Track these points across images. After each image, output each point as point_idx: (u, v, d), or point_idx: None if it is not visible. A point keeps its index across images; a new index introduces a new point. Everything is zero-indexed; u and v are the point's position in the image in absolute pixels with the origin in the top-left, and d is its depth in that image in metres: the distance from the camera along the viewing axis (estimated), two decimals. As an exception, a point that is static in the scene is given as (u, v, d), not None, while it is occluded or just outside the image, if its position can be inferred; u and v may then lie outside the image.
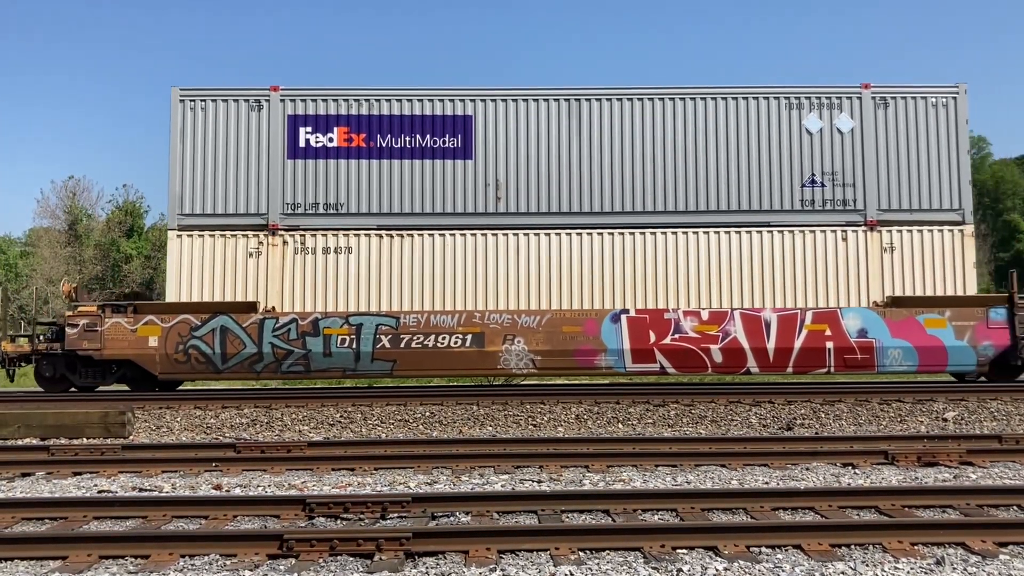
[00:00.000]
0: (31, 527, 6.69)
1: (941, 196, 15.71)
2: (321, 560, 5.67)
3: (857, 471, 8.82)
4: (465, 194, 15.74)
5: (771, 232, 15.64)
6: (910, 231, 15.60)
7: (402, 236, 15.59)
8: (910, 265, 15.56)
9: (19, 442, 11.67)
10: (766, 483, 8.24)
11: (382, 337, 15.14)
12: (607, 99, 15.94)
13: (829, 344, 15.22)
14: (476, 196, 15.75)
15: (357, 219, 15.70)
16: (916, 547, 5.84)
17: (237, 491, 8.10)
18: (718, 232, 15.69)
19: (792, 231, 15.65)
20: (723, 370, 15.46)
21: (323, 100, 15.88)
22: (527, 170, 15.81)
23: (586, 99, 15.94)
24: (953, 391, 14.06)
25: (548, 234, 15.67)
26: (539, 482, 8.36)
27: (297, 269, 15.52)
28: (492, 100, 15.89)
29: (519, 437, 11.44)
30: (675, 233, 15.66)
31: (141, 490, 8.25)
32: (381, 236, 15.56)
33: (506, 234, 15.66)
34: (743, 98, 15.95)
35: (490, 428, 12.65)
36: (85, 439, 11.84)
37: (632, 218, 15.74)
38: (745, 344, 15.25)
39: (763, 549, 5.84)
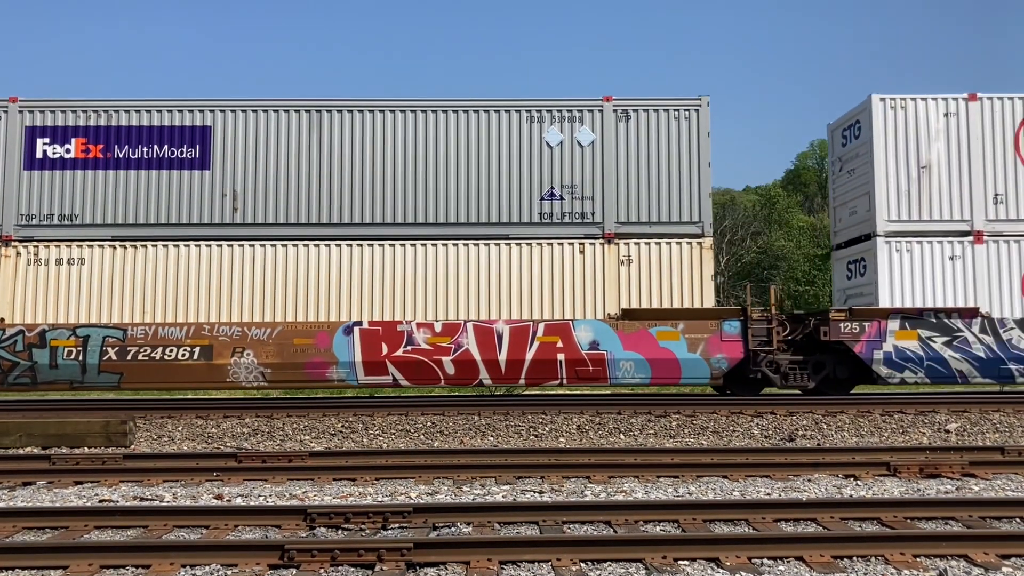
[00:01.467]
0: (32, 536, 6.69)
1: (681, 209, 15.55)
2: (322, 570, 5.67)
3: (859, 483, 8.81)
4: (201, 205, 15.49)
5: (509, 245, 15.43)
6: (648, 244, 15.44)
7: (135, 247, 15.33)
8: (647, 277, 15.39)
9: (21, 451, 11.67)
10: (768, 494, 8.23)
11: (109, 349, 14.84)
12: (348, 110, 15.74)
13: (561, 356, 15.02)
14: (213, 207, 15.49)
15: (91, 230, 15.41)
16: (918, 559, 5.83)
17: (238, 501, 8.09)
18: (456, 244, 15.46)
19: (530, 244, 15.44)
20: (456, 382, 15.24)
21: (62, 111, 15.65)
22: (264, 181, 15.56)
23: (327, 110, 15.71)
24: (955, 403, 14.04)
25: (285, 245, 15.38)
26: (541, 492, 8.35)
27: (29, 280, 15.23)
28: (232, 111, 15.68)
29: (521, 447, 11.44)
30: (413, 245, 15.41)
31: (142, 500, 8.24)
32: (115, 247, 15.31)
33: (242, 245, 15.39)
34: (484, 111, 15.76)
35: (491, 438, 12.64)
36: (87, 448, 11.84)
37: (369, 230, 15.49)
38: (477, 356, 15.01)
39: (765, 561, 5.83)
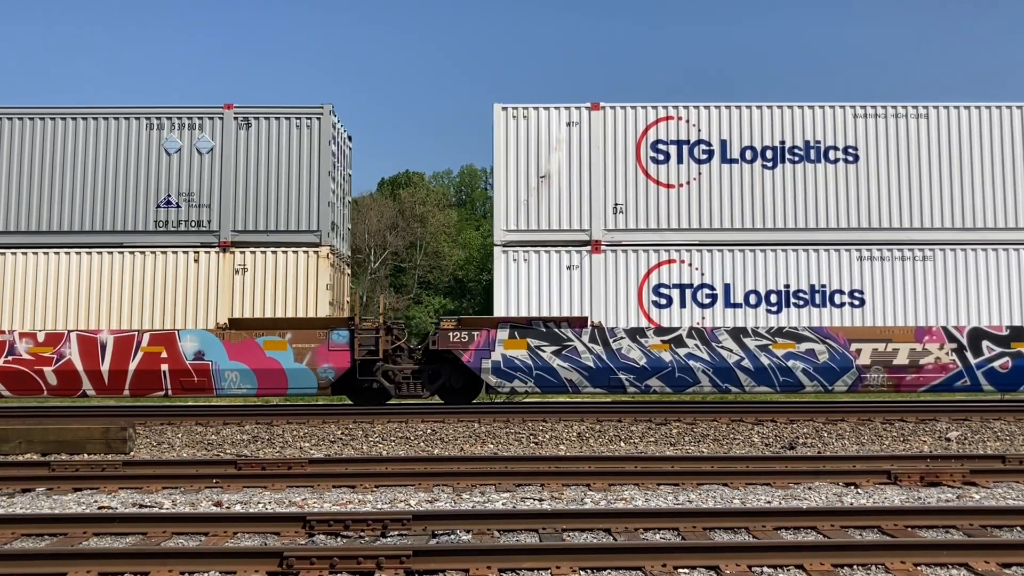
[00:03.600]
0: (31, 543, 6.68)
1: (299, 217, 15.45)
2: (321, 578, 5.65)
3: (860, 491, 8.79)
4: None
5: (123, 253, 15.25)
6: (264, 252, 15.33)
7: None
8: (262, 286, 15.28)
9: (20, 458, 11.66)
10: (768, 502, 8.21)
11: None
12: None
13: (165, 366, 14.93)
14: None
15: None
16: (919, 568, 5.82)
17: (237, 508, 8.08)
18: (68, 253, 15.27)
19: (144, 252, 15.27)
20: (59, 392, 15.09)
21: None
22: None
23: None
24: (956, 411, 14.02)
25: None
26: (540, 500, 8.34)
27: None
28: None
29: (520, 455, 11.43)
30: (14, 254, 15.22)
31: (141, 506, 8.23)
32: None
33: None
34: (104, 118, 15.59)
35: (491, 446, 12.62)
36: (86, 455, 11.82)
37: None
38: (80, 366, 14.86)
39: (765, 569, 5.82)
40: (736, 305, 15.13)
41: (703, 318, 15.09)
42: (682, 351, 14.89)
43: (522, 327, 14.93)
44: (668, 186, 15.34)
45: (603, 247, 15.16)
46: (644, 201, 15.33)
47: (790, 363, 14.89)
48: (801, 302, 15.13)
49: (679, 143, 15.45)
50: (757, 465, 10.10)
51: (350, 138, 17.89)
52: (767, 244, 15.24)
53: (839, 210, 15.31)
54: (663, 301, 15.12)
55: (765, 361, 14.88)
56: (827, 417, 13.51)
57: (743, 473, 9.34)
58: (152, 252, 15.28)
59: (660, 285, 15.13)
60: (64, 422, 13.12)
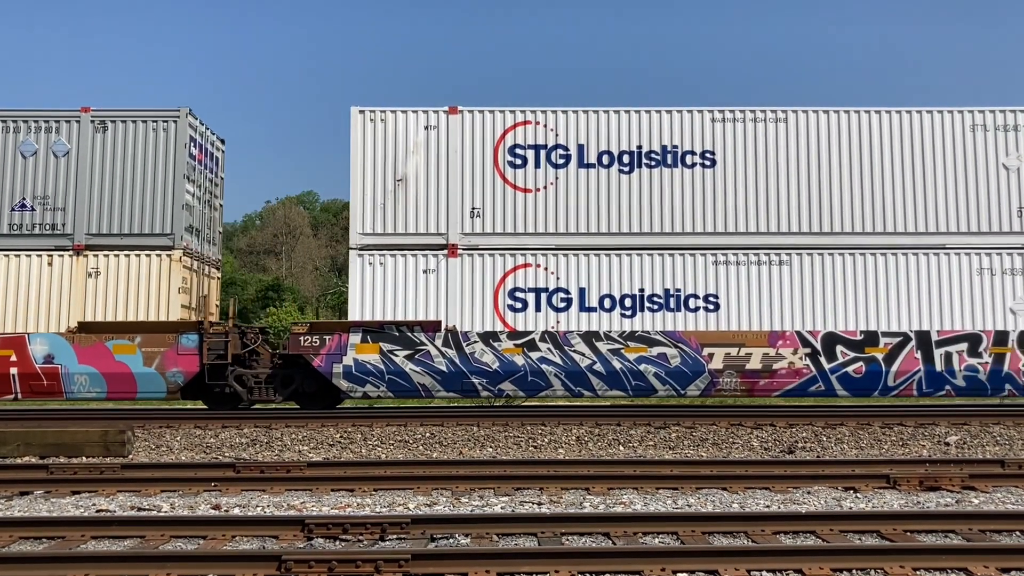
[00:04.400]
0: (29, 546, 6.66)
1: (153, 220, 15.43)
2: (319, 582, 5.64)
3: (859, 495, 8.79)
4: None
5: None
6: (119, 255, 15.31)
7: None
8: (114, 289, 15.25)
9: (18, 460, 11.65)
10: (767, 506, 8.21)
11: None
12: None
13: (14, 370, 14.89)
14: None
15: None
16: (918, 572, 5.82)
17: (236, 511, 8.07)
18: None
19: None
20: None
21: None
22: None
23: None
24: (955, 415, 14.02)
25: None
26: (539, 504, 8.33)
27: None
28: None
29: (519, 459, 11.41)
30: None
31: (140, 510, 8.22)
32: None
33: None
34: None
35: (490, 449, 12.61)
36: (85, 458, 11.81)
37: None
38: None
39: (764, 573, 5.81)
40: (591, 309, 15.12)
41: (558, 322, 15.06)
42: (535, 355, 14.88)
43: (374, 331, 14.86)
44: (525, 190, 15.34)
45: (460, 251, 15.16)
46: (501, 205, 15.32)
47: (642, 367, 14.85)
48: (656, 306, 15.11)
49: (537, 147, 15.45)
50: (756, 469, 10.10)
51: (222, 141, 17.82)
52: (623, 248, 15.22)
53: (695, 214, 15.30)
54: (519, 305, 15.10)
55: (617, 365, 14.85)
56: (826, 421, 13.50)
57: (742, 477, 9.33)
58: (5, 256, 15.30)
59: (516, 289, 15.12)
60: (63, 425, 13.11)
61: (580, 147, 15.45)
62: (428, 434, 13.02)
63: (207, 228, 17.03)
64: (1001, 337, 14.97)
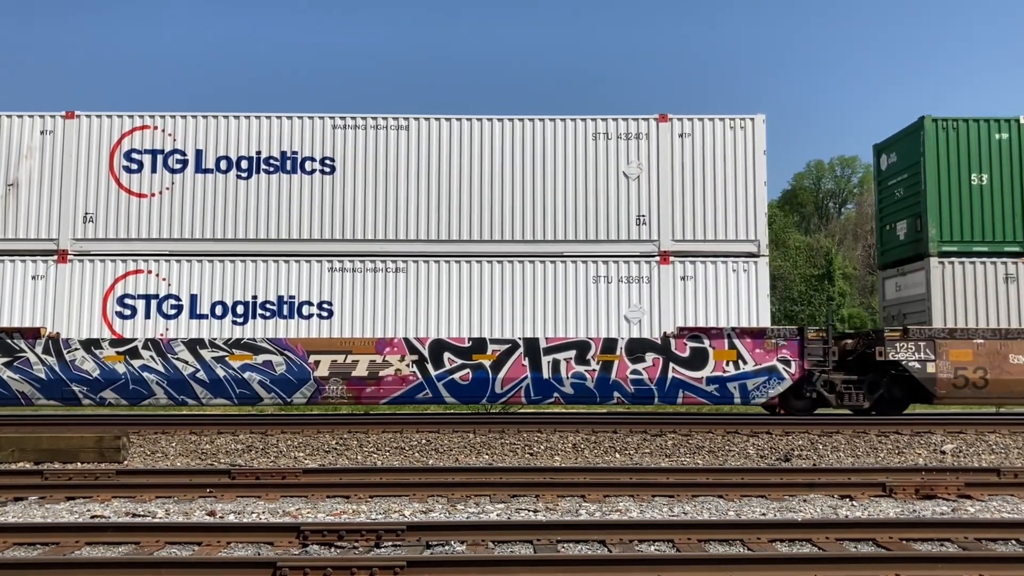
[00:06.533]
0: (23, 552, 6.64)
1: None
2: (314, 588, 5.63)
3: (855, 503, 8.79)
4: None
5: None
6: None
7: None
8: None
9: (13, 466, 11.61)
10: (763, 514, 8.20)
11: None
12: None
13: None
14: None
15: None
16: (914, 581, 5.81)
17: (231, 517, 8.05)
18: None
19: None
20: None
21: None
22: None
23: None
24: (951, 423, 14.03)
25: None
26: (535, 511, 8.32)
27: None
28: None
29: (515, 466, 11.40)
30: None
31: (135, 516, 8.20)
32: None
33: None
34: None
35: (486, 456, 12.60)
36: (80, 464, 11.78)
37: None
38: None
39: (760, 581, 5.80)
40: (202, 316, 14.98)
41: (167, 329, 14.92)
42: (137, 363, 14.72)
43: None
44: (140, 195, 15.23)
45: (71, 257, 15.01)
46: (115, 211, 15.18)
47: (247, 375, 14.75)
48: (268, 313, 15.02)
49: (154, 152, 15.36)
50: (752, 477, 10.09)
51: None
52: (236, 255, 15.11)
53: (313, 221, 15.24)
54: (127, 312, 14.96)
55: (221, 373, 14.73)
56: (822, 429, 13.51)
57: (738, 485, 9.33)
58: None
59: (126, 296, 14.97)
60: (58, 431, 13.07)
61: (199, 152, 15.35)
62: (424, 441, 13.01)
63: None
64: (609, 345, 14.91)
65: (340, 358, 14.85)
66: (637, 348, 14.93)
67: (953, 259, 15.41)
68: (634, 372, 14.89)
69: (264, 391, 14.82)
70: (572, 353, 14.96)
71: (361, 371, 14.83)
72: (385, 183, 15.33)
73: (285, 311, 15.06)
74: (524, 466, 11.30)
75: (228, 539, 6.84)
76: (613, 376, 14.87)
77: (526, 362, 14.90)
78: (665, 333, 14.98)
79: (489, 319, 15.08)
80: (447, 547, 6.72)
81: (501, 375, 14.85)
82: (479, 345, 14.93)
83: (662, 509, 8.43)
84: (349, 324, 15.02)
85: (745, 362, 14.97)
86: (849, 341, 16.05)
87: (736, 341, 14.97)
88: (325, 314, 15.06)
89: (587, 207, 15.32)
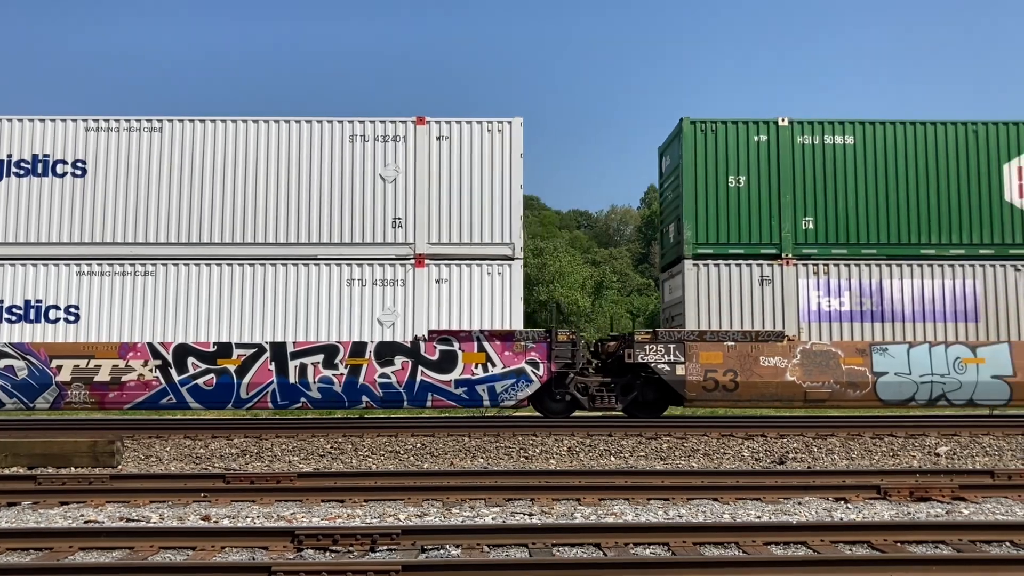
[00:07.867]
0: (16, 558, 6.61)
1: None
2: (309, 593, 5.61)
3: (849, 505, 8.80)
4: None
5: None
6: None
7: None
8: None
9: (6, 471, 11.56)
10: (758, 517, 8.21)
11: None
12: None
13: None
14: None
15: None
16: (909, 583, 5.82)
17: (226, 522, 8.03)
18: None
19: None
20: None
21: None
22: None
23: None
24: (946, 426, 14.06)
25: None
26: (530, 515, 8.31)
27: None
28: None
29: (510, 469, 11.39)
30: None
31: (128, 521, 8.17)
32: None
33: None
34: None
35: (481, 460, 12.59)
36: (73, 468, 11.73)
37: None
38: None
39: (755, 584, 5.80)
40: None
41: None
42: None
43: None
44: None
45: None
46: None
47: None
48: (15, 318, 14.88)
49: None
50: (747, 480, 10.10)
51: None
52: None
53: (63, 224, 15.12)
54: None
55: None
56: (817, 432, 13.52)
57: (733, 488, 9.33)
58: None
59: None
60: (51, 435, 13.02)
61: None
62: (419, 444, 12.99)
63: None
64: (358, 348, 14.89)
65: (82, 363, 14.77)
66: (387, 352, 14.92)
67: (709, 261, 15.38)
68: (383, 376, 14.89)
69: (6, 396, 14.78)
70: (320, 357, 14.92)
71: (104, 376, 14.76)
72: (137, 185, 15.24)
73: (32, 315, 14.93)
74: (519, 469, 11.29)
75: (222, 544, 6.82)
76: (361, 380, 14.87)
77: (272, 367, 14.85)
78: (416, 336, 14.98)
79: (239, 323, 15.00)
80: (442, 551, 6.71)
81: (246, 380, 14.81)
82: (224, 350, 14.86)
83: (657, 512, 8.43)
84: (96, 329, 14.93)
85: (494, 365, 15.00)
86: (612, 344, 16.12)
87: (485, 344, 15.00)
88: (72, 319, 14.94)
89: (342, 209, 15.29)
